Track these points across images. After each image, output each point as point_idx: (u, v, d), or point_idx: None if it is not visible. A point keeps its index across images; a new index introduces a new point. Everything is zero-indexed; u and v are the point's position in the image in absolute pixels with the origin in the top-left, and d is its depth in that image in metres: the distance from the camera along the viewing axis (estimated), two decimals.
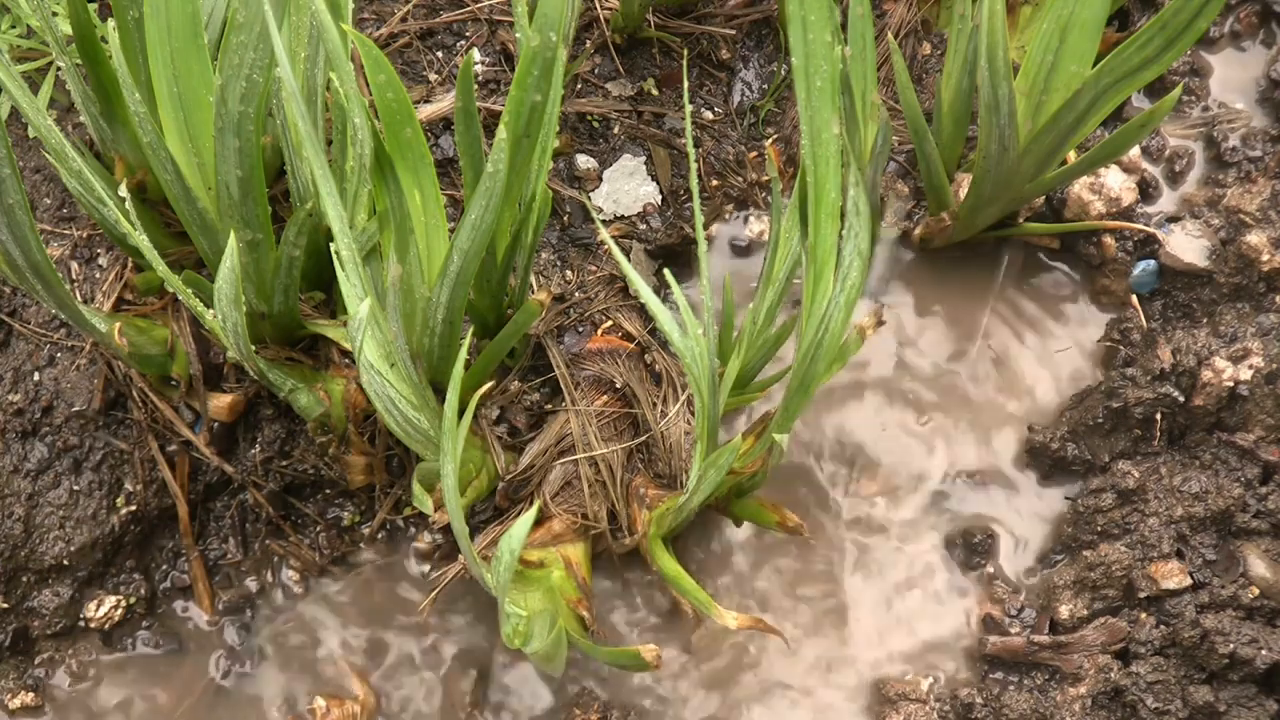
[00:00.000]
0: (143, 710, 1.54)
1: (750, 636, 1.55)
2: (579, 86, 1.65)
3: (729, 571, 1.58)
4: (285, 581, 1.59)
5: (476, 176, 1.15)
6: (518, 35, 1.23)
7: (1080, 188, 1.64)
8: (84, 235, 1.53)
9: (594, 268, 1.58)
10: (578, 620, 1.40)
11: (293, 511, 1.58)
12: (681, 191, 1.65)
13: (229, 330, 1.21)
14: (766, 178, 1.70)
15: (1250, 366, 1.50)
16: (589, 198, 1.62)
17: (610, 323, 1.54)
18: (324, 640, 1.57)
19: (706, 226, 1.69)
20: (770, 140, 1.70)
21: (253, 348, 1.28)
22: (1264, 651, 1.40)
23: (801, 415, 1.37)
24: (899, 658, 1.55)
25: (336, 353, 1.46)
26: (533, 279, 1.53)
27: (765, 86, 1.73)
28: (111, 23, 1.19)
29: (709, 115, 1.70)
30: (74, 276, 1.51)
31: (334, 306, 1.47)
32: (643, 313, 1.56)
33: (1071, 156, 1.60)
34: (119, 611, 1.54)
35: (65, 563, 1.50)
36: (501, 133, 1.04)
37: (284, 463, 1.53)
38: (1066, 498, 1.60)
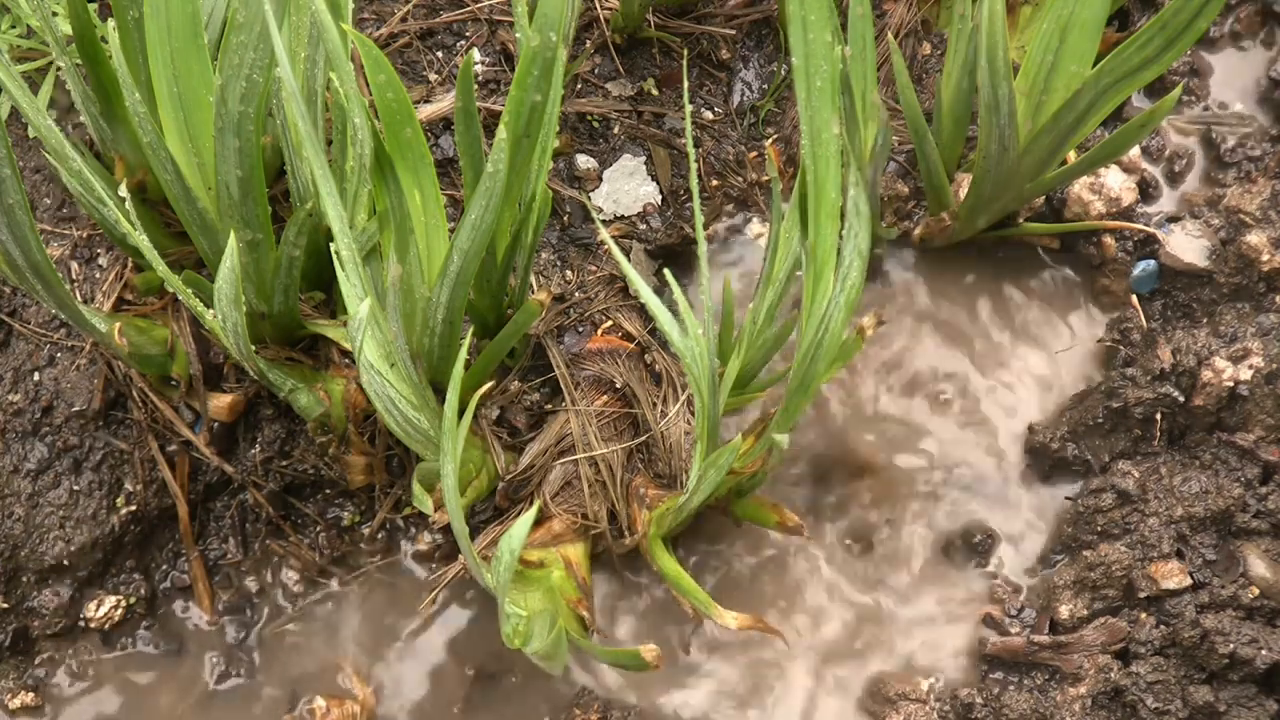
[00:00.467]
0: (143, 710, 1.54)
1: (750, 636, 1.55)
2: (579, 86, 1.65)
3: (729, 571, 1.58)
4: (285, 581, 1.59)
5: (476, 176, 1.15)
6: (518, 35, 1.23)
7: (1080, 188, 1.64)
8: (84, 235, 1.53)
9: (594, 268, 1.58)
10: (578, 620, 1.40)
11: (293, 511, 1.58)
12: (681, 191, 1.65)
13: (229, 330, 1.21)
14: (766, 178, 1.70)
15: (1250, 366, 1.50)
16: (589, 198, 1.62)
17: (610, 323, 1.54)
18: (324, 640, 1.57)
19: (706, 226, 1.69)
20: (770, 140, 1.70)
21: (253, 348, 1.28)
22: (1264, 651, 1.40)
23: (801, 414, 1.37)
24: (899, 657, 1.55)
25: (336, 353, 1.46)
26: (533, 279, 1.53)
27: (765, 86, 1.73)
28: (111, 23, 1.19)
29: (709, 115, 1.70)
30: (74, 276, 1.51)
31: (334, 306, 1.47)
32: (643, 313, 1.56)
33: (1071, 156, 1.60)
34: (119, 612, 1.54)
35: (65, 563, 1.50)
36: (501, 133, 1.04)
37: (284, 463, 1.53)
38: (1066, 498, 1.60)
